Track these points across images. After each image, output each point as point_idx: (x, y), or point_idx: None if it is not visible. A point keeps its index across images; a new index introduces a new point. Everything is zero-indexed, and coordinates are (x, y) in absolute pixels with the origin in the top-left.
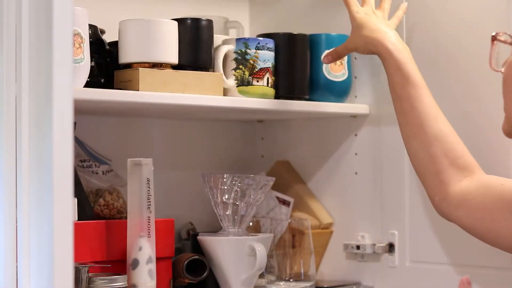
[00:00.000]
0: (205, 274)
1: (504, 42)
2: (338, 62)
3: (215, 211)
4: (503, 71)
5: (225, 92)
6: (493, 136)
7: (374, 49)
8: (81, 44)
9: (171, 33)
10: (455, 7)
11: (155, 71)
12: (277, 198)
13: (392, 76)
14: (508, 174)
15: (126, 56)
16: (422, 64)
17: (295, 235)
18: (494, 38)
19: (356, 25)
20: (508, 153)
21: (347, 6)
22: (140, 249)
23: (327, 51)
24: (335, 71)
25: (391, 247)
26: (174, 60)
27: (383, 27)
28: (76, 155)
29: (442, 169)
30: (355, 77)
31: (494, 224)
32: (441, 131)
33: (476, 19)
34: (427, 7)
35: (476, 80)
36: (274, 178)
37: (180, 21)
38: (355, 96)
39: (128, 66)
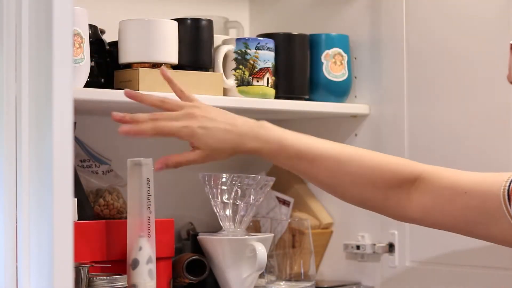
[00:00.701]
0: (205, 274)
1: None
2: (338, 62)
3: (215, 211)
4: None
5: (225, 92)
6: (493, 135)
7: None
8: (81, 44)
9: (171, 33)
10: (452, 11)
11: (155, 71)
12: (277, 198)
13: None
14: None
15: (126, 56)
16: (421, 64)
17: (295, 235)
18: None
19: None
20: (509, 151)
21: None
22: (140, 249)
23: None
24: (335, 71)
25: (391, 247)
26: (174, 60)
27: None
28: (76, 155)
29: (387, 198)
30: (355, 77)
31: (468, 227)
32: (355, 173)
33: (475, 22)
34: (426, 9)
35: (476, 80)
36: (274, 178)
37: (180, 21)
38: (355, 96)
39: (128, 66)
